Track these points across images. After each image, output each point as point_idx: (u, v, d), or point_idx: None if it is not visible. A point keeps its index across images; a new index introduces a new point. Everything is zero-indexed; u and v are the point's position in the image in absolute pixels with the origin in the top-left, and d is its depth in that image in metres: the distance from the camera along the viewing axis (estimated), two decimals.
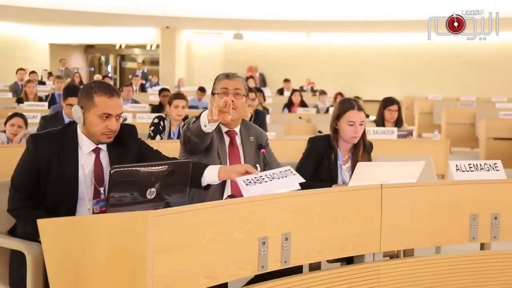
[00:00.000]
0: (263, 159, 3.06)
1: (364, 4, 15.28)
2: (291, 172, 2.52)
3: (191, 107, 9.36)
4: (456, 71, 17.76)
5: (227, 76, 3.02)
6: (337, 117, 3.42)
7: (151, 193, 2.27)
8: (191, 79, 18.77)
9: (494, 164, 3.02)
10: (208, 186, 2.65)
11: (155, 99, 10.51)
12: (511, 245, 3.05)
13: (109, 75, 19.55)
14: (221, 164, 2.85)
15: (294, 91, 10.41)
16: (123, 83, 19.53)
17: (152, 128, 5.23)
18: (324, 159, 3.40)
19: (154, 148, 2.78)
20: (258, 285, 2.39)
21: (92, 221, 2.21)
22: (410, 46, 17.99)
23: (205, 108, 2.90)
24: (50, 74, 16.17)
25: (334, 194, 2.58)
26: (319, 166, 3.41)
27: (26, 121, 4.97)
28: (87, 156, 2.59)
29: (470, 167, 2.97)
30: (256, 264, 2.29)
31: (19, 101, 9.01)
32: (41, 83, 14.21)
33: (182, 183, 2.40)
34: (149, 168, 2.29)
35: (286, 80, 14.85)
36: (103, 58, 22.92)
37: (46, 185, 2.53)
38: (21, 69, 12.83)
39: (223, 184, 2.86)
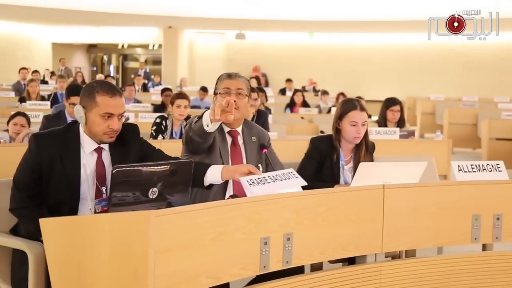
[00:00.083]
0: (265, 159, 3.06)
1: (366, 4, 15.26)
2: (294, 174, 2.52)
3: (193, 106, 9.36)
4: (457, 71, 17.74)
5: (230, 76, 3.02)
6: (339, 117, 3.42)
7: (153, 192, 2.27)
8: (193, 79, 18.77)
9: (497, 164, 3.01)
10: (211, 186, 2.65)
11: (157, 98, 10.50)
12: None
13: (111, 75, 19.55)
14: (223, 164, 2.85)
15: (296, 91, 10.41)
16: (125, 82, 19.53)
17: (154, 127, 5.24)
18: (326, 159, 3.40)
19: (156, 148, 2.78)
20: (260, 285, 2.39)
21: (94, 220, 2.21)
22: (411, 46, 17.98)
23: (207, 108, 2.90)
24: (52, 73, 16.20)
25: (336, 195, 2.58)
26: (321, 166, 3.40)
27: (28, 120, 4.98)
28: (89, 156, 2.59)
29: (472, 168, 2.97)
30: (258, 264, 2.29)
31: (22, 100, 9.02)
32: (44, 82, 14.22)
33: (184, 183, 2.40)
34: (151, 167, 2.29)
35: (288, 80, 14.85)
36: (105, 57, 22.95)
37: (48, 184, 2.53)
38: (24, 68, 12.84)
39: (225, 184, 2.86)
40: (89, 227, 2.16)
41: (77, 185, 2.55)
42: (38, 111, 6.97)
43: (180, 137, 4.88)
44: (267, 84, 17.57)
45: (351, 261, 2.75)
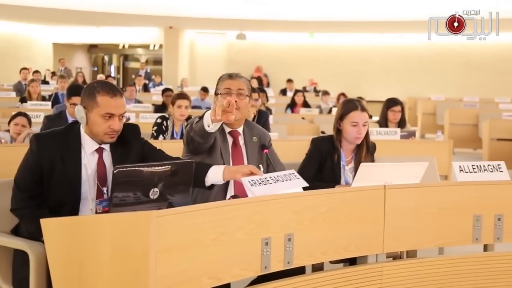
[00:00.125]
0: (266, 159, 3.06)
1: (367, 4, 15.27)
2: (295, 175, 2.52)
3: (194, 107, 9.36)
4: (458, 72, 17.73)
5: (230, 76, 3.02)
6: (340, 117, 3.41)
7: (154, 193, 2.27)
8: (194, 79, 18.78)
9: (498, 165, 3.01)
10: (212, 186, 2.65)
11: (158, 99, 10.51)
12: None
13: (112, 75, 19.56)
14: (224, 164, 2.85)
15: (297, 91, 10.41)
16: (126, 83, 19.54)
17: (155, 128, 5.24)
18: (327, 159, 3.40)
19: (157, 148, 2.78)
20: (261, 285, 2.39)
21: (95, 221, 2.21)
22: (412, 47, 17.98)
23: (208, 108, 2.90)
24: (53, 73, 16.20)
25: (337, 195, 2.58)
26: (322, 166, 3.40)
27: (30, 120, 4.99)
28: (90, 156, 2.59)
29: (473, 168, 2.96)
30: (259, 264, 2.29)
31: (23, 100, 9.02)
32: (45, 82, 14.23)
33: (185, 183, 2.40)
34: (152, 168, 2.28)
35: (289, 81, 14.85)
36: (106, 58, 22.96)
37: (49, 184, 2.53)
38: (25, 68, 12.85)
39: (226, 184, 2.86)
40: (90, 228, 2.16)
41: (78, 185, 2.55)
42: (39, 111, 6.97)
43: (181, 138, 4.88)
44: (268, 85, 17.58)
45: (352, 261, 2.75)
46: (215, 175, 2.60)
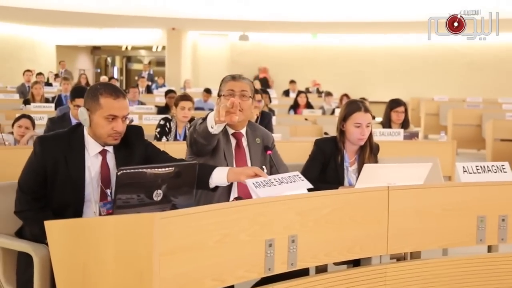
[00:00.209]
0: (269, 160, 3.06)
1: (369, 5, 15.26)
2: (300, 177, 2.52)
3: (197, 108, 9.37)
4: (461, 72, 17.71)
5: (234, 78, 3.02)
6: (344, 118, 3.41)
7: (157, 195, 2.27)
8: (197, 81, 18.79)
9: (502, 166, 3.00)
10: (216, 187, 2.65)
11: (161, 100, 10.53)
12: None
13: (115, 76, 19.60)
14: (227, 165, 2.85)
15: (299, 92, 10.40)
16: (129, 84, 19.58)
17: (158, 129, 5.24)
18: (331, 160, 3.40)
19: (161, 150, 2.78)
20: (264, 287, 2.39)
21: (99, 223, 2.21)
22: (415, 47, 17.96)
23: (211, 110, 2.90)
24: (56, 75, 16.22)
25: (341, 196, 2.58)
26: (325, 168, 3.40)
27: (33, 122, 4.99)
28: (94, 158, 2.60)
29: (477, 169, 2.96)
30: (262, 266, 2.29)
31: (26, 102, 9.05)
32: (48, 84, 14.26)
33: (189, 185, 2.40)
34: (156, 170, 2.28)
35: (292, 82, 14.86)
36: (109, 59, 23.00)
37: (52, 187, 2.53)
38: (28, 70, 12.88)
39: (229, 186, 2.86)
40: (94, 229, 2.16)
41: (82, 187, 2.55)
42: (42, 113, 6.98)
43: (184, 139, 4.88)
44: (268, 87, 17.58)
45: (356, 263, 2.75)
46: (219, 176, 2.60)
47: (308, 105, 9.76)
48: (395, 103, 5.63)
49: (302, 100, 9.72)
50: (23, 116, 5.05)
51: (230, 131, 3.02)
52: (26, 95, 10.42)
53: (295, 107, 9.70)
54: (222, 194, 2.85)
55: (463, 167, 2.94)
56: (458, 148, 7.92)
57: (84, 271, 2.15)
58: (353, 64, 18.39)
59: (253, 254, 2.26)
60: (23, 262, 2.51)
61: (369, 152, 3.42)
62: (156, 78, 17.15)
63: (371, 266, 2.65)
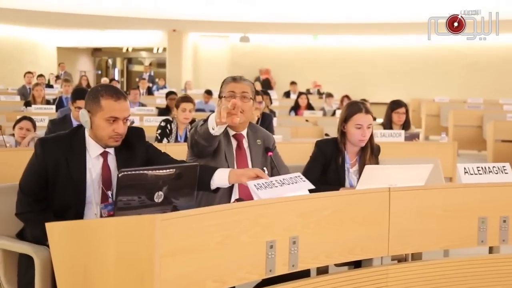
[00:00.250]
0: (270, 162, 3.06)
1: (370, 6, 15.26)
2: (301, 178, 2.52)
3: (198, 110, 9.37)
4: (462, 73, 17.70)
5: (234, 79, 3.02)
6: (345, 120, 3.41)
7: (158, 196, 2.27)
8: (198, 82, 18.80)
9: (503, 167, 3.00)
10: (217, 189, 2.65)
11: (162, 102, 10.53)
12: None
13: (116, 78, 19.60)
14: (228, 167, 2.85)
15: (300, 94, 10.40)
16: (130, 86, 19.60)
17: (159, 131, 5.24)
18: (332, 162, 3.40)
19: (162, 151, 2.78)
20: None
21: (100, 224, 2.21)
22: (416, 48, 17.96)
23: (212, 111, 2.90)
24: (57, 77, 16.23)
25: (342, 198, 2.58)
26: (326, 169, 3.40)
27: (34, 124, 5.00)
28: (95, 160, 2.60)
29: (478, 170, 2.96)
30: (264, 267, 2.29)
31: (27, 104, 9.06)
32: (49, 86, 14.27)
33: (190, 187, 2.40)
34: (157, 171, 2.29)
35: (293, 83, 14.86)
36: (110, 61, 23.01)
37: (54, 188, 2.53)
38: (29, 72, 12.89)
39: (230, 187, 2.85)
40: (95, 231, 2.16)
41: (83, 189, 2.55)
42: (43, 115, 6.99)
43: (185, 141, 4.88)
44: (271, 88, 17.59)
45: (357, 264, 2.75)
46: (220, 178, 2.59)
47: (309, 107, 9.76)
48: (396, 104, 5.63)
49: (303, 102, 9.73)
50: (24, 118, 5.06)
51: (231, 132, 3.02)
52: (27, 97, 10.42)
53: (296, 108, 9.70)
54: (223, 195, 2.85)
55: (464, 168, 2.93)
56: (459, 149, 7.92)
57: (85, 273, 2.15)
58: (353, 65, 18.40)
59: (254, 256, 2.26)
60: (24, 264, 2.51)
61: (370, 153, 3.42)
62: (157, 80, 17.15)
63: (372, 268, 2.65)
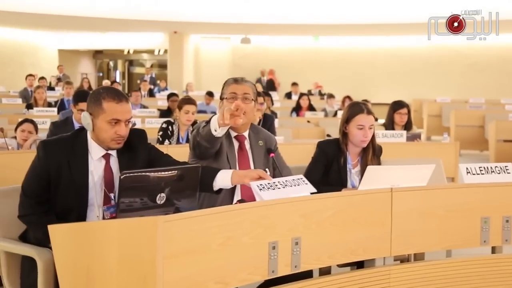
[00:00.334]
0: (272, 163, 3.06)
1: (371, 7, 15.27)
2: (304, 181, 2.53)
3: (199, 111, 9.37)
4: (463, 73, 17.69)
5: (236, 80, 3.02)
6: (346, 120, 3.41)
7: (161, 198, 2.27)
8: (199, 84, 18.81)
9: (505, 166, 3.00)
10: (220, 190, 2.65)
11: (163, 104, 10.53)
12: None
13: (117, 80, 19.60)
14: (230, 168, 2.86)
15: (302, 95, 10.41)
16: (131, 88, 19.60)
17: (161, 133, 5.25)
18: (333, 163, 3.40)
19: (164, 153, 2.78)
20: None
21: (103, 226, 2.22)
22: (417, 49, 17.96)
23: (214, 113, 2.90)
24: (59, 79, 16.25)
25: (344, 198, 2.58)
26: (328, 170, 3.40)
27: (36, 126, 5.00)
28: (97, 162, 2.60)
29: (480, 170, 2.95)
30: (266, 268, 2.29)
31: (29, 107, 9.06)
32: (50, 88, 14.28)
33: (192, 188, 2.40)
34: (159, 173, 2.29)
35: (294, 84, 14.86)
36: (111, 63, 23.04)
37: (56, 191, 2.53)
38: (31, 75, 12.90)
39: (233, 189, 2.85)
40: (97, 233, 2.16)
41: (85, 191, 2.55)
42: (45, 117, 7.00)
43: (187, 142, 4.88)
44: (275, 88, 17.59)
45: (359, 265, 2.75)
46: (223, 179, 2.60)
47: (311, 107, 9.76)
48: (398, 105, 5.63)
49: (304, 103, 9.73)
50: (26, 120, 5.07)
51: (233, 134, 3.02)
52: (29, 100, 10.44)
53: (297, 109, 9.70)
54: (225, 197, 2.85)
55: (467, 168, 2.93)
56: (461, 149, 7.92)
57: (88, 275, 2.15)
58: (355, 66, 18.40)
59: (257, 257, 2.26)
60: (27, 266, 2.52)
61: (372, 154, 3.42)
62: (158, 82, 17.16)
63: (375, 268, 2.65)
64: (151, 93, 14.77)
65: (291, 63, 18.69)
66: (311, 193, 2.51)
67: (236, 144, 3.02)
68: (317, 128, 7.70)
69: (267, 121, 6.08)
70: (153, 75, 18.10)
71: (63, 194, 2.53)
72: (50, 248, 2.32)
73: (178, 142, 5.22)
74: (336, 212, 2.49)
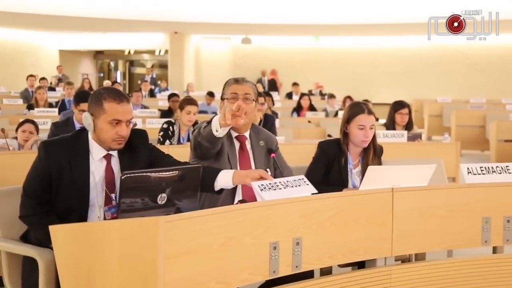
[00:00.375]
0: (273, 163, 3.06)
1: (371, 7, 15.26)
2: (305, 181, 2.53)
3: (200, 111, 9.36)
4: (464, 73, 17.69)
5: (237, 81, 3.03)
6: (347, 121, 3.41)
7: (162, 198, 2.27)
8: (200, 84, 18.81)
9: (506, 166, 3.00)
10: (221, 190, 2.66)
11: (164, 104, 10.53)
12: None
13: (118, 81, 19.61)
14: (231, 168, 2.86)
15: (302, 95, 10.41)
16: (132, 88, 19.61)
17: (162, 133, 5.25)
18: (334, 163, 3.40)
19: (165, 153, 2.78)
20: None
21: (104, 227, 2.22)
22: (418, 49, 17.95)
23: (214, 113, 2.90)
24: (59, 80, 16.26)
25: (345, 198, 2.58)
26: (329, 170, 3.40)
27: (37, 127, 5.00)
28: (98, 163, 2.60)
29: (481, 170, 2.95)
30: (267, 269, 2.29)
31: (30, 107, 9.07)
32: (51, 89, 14.29)
33: (193, 188, 2.40)
34: (160, 173, 2.29)
35: (295, 84, 14.85)
36: (112, 63, 23.05)
37: (57, 191, 2.54)
38: (31, 75, 12.91)
39: (234, 189, 2.86)
40: (98, 234, 2.17)
41: (86, 192, 2.55)
42: (46, 118, 7.00)
43: (188, 142, 4.89)
44: (277, 88, 17.58)
45: (360, 265, 2.75)
46: (224, 179, 2.60)
47: (311, 108, 9.76)
48: (399, 105, 5.63)
49: (305, 103, 9.73)
50: (27, 121, 5.07)
51: (234, 134, 3.02)
52: (30, 100, 10.44)
53: (298, 109, 9.71)
54: (226, 197, 2.85)
55: (467, 168, 2.93)
56: (462, 149, 7.92)
57: (89, 275, 2.15)
58: (355, 66, 18.40)
59: (258, 257, 2.27)
60: (28, 267, 2.52)
61: (372, 154, 3.42)
62: (159, 82, 17.17)
63: (376, 268, 2.65)
64: (152, 94, 14.78)
65: (292, 63, 18.69)
66: (312, 194, 2.52)
67: (237, 144, 3.02)
68: (318, 128, 7.71)
69: (268, 121, 6.08)
70: (154, 76, 18.09)
71: (64, 194, 2.53)
72: (51, 248, 2.32)
73: (179, 142, 5.22)
74: (337, 212, 2.49)
